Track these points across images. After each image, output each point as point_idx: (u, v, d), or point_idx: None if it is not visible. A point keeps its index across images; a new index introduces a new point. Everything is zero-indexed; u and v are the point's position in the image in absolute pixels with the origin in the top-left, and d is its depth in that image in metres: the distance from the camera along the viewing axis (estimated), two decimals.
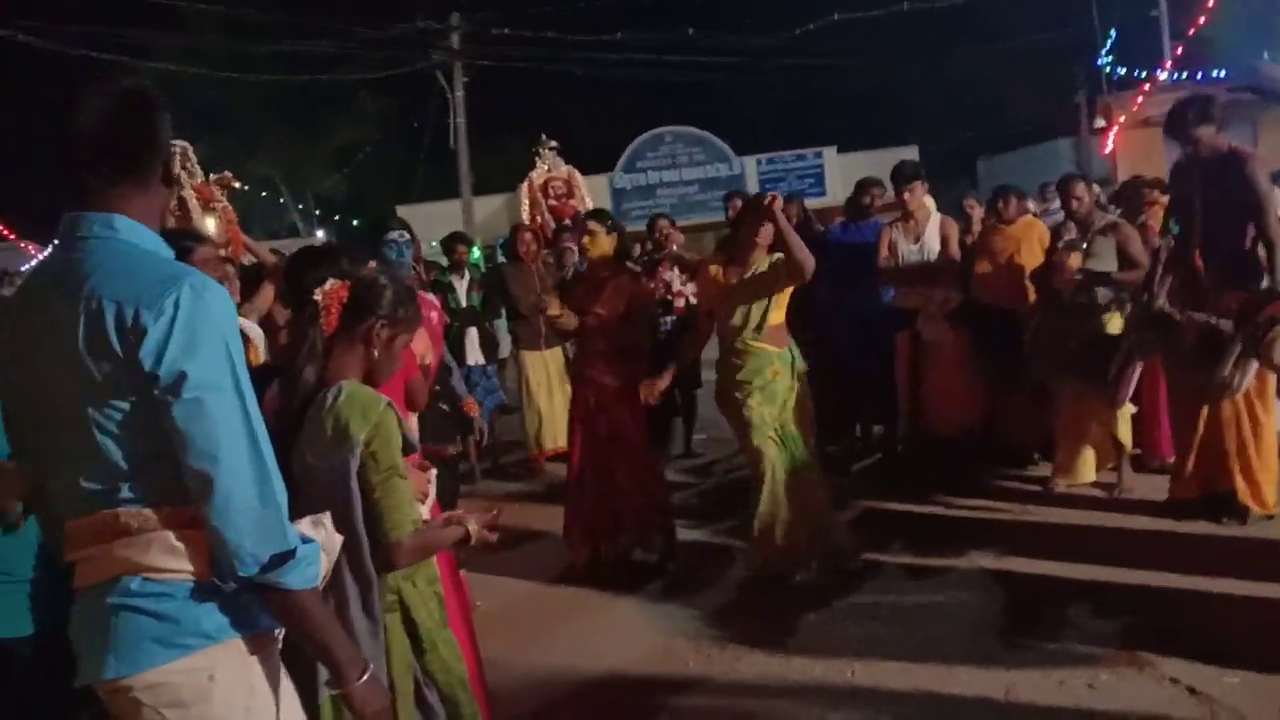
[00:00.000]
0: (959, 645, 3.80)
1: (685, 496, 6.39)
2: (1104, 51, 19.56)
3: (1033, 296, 5.88)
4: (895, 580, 4.63)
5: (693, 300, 7.30)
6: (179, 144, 5.27)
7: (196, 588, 1.61)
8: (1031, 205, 7.38)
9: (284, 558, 1.58)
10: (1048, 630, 3.86)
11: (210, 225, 5.09)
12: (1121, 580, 4.27)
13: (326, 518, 1.83)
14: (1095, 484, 5.59)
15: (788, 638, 4.06)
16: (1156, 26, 18.19)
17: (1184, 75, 15.24)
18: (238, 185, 5.45)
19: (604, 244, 5.00)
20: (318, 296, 2.19)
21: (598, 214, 5.39)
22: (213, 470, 1.53)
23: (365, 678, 1.74)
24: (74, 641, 1.65)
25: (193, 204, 5.13)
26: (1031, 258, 5.97)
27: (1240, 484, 4.76)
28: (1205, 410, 4.76)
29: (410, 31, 18.91)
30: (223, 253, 4.85)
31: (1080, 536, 4.91)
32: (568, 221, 9.85)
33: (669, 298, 7.16)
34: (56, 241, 1.69)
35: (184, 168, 5.20)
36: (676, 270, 7.26)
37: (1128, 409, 5.41)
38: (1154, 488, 5.35)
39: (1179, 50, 16.54)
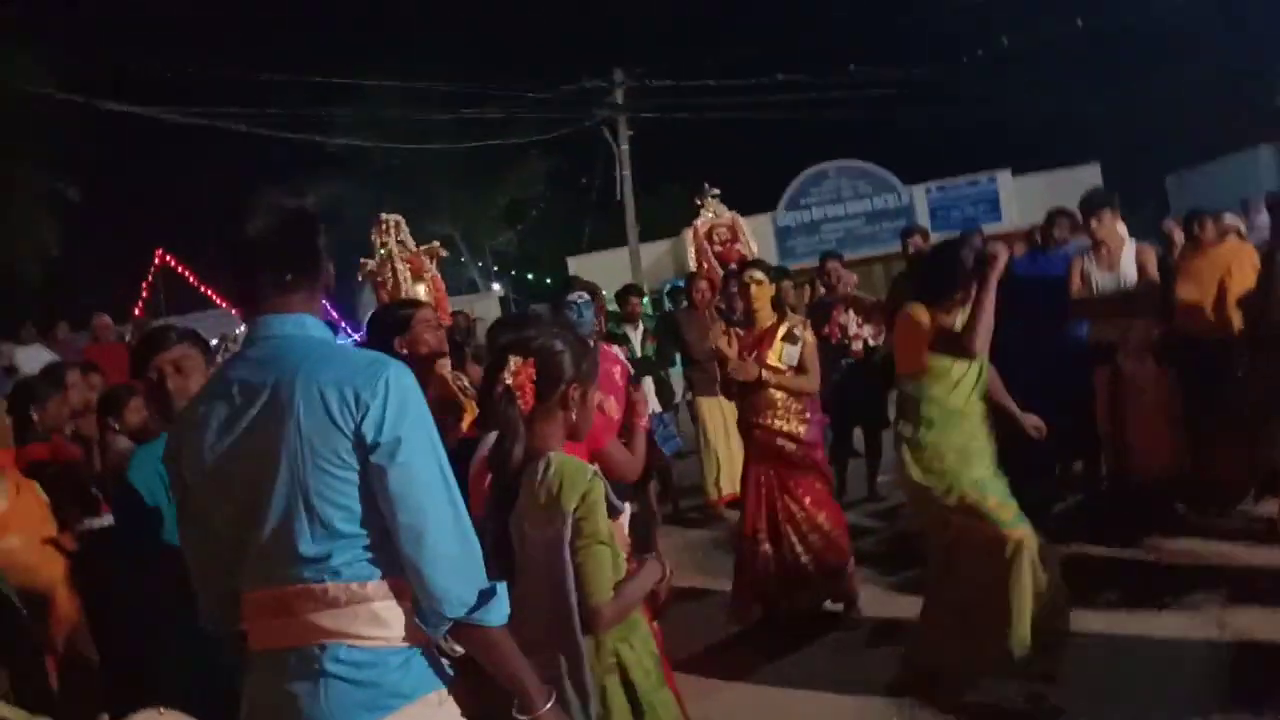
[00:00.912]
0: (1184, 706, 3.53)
1: (869, 543, 6.23)
2: None
3: (1240, 325, 5.46)
4: (1114, 622, 4.34)
5: (871, 342, 7.20)
6: (391, 218, 5.61)
7: (395, 653, 1.79)
8: (1234, 220, 6.88)
9: (487, 596, 1.77)
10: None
11: (421, 293, 5.42)
12: None
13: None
14: None
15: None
16: None
17: None
18: (444, 255, 5.77)
19: (764, 294, 5.00)
20: (508, 379, 2.26)
21: (757, 264, 5.39)
22: (422, 524, 1.73)
23: (551, 703, 1.87)
24: (256, 699, 1.82)
25: (405, 274, 5.47)
26: (1241, 282, 5.56)
27: None
28: None
29: (574, 91, 19.64)
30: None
31: None
32: (734, 266, 9.92)
33: (846, 341, 7.07)
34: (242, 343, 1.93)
35: (399, 240, 5.56)
36: (851, 312, 7.17)
37: None
38: None
39: None
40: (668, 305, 9.62)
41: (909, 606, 4.94)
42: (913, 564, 5.62)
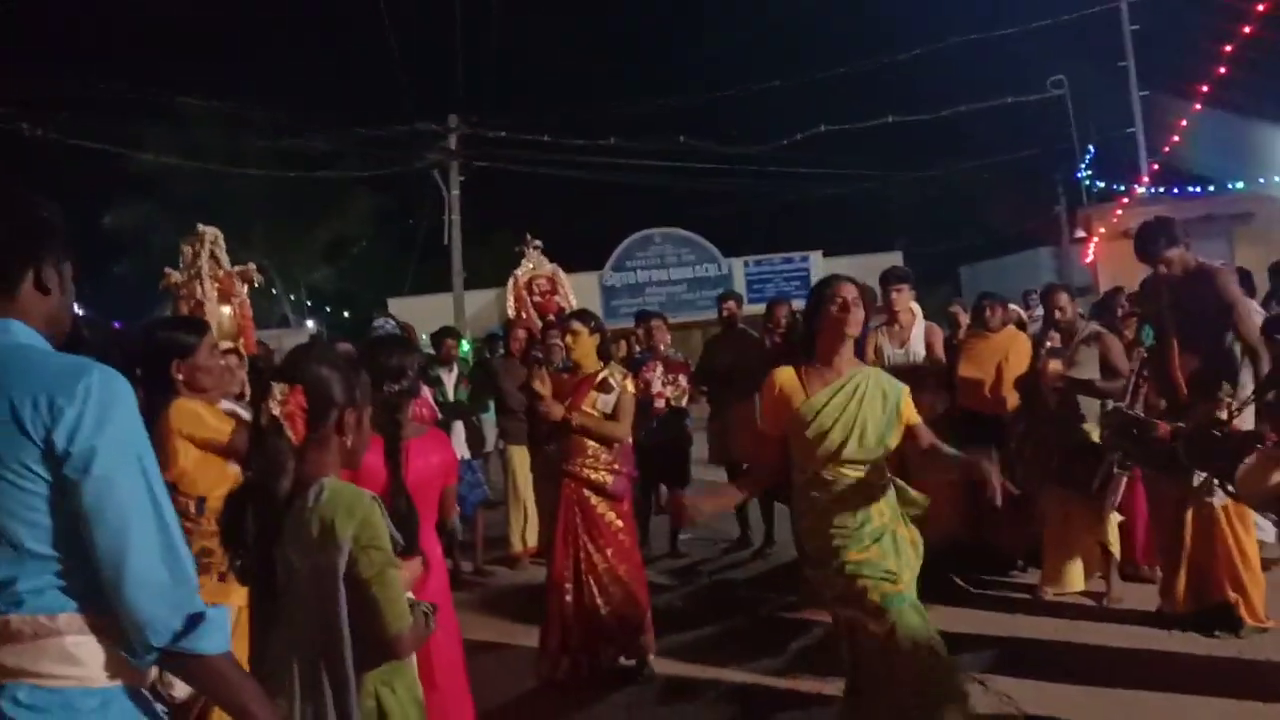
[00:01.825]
0: None
1: (670, 599, 6.29)
2: (1083, 166, 20.20)
3: (1015, 404, 5.92)
4: None
5: (674, 402, 7.33)
6: (210, 230, 5.25)
7: (89, 694, 1.63)
8: (1015, 309, 7.49)
9: (195, 621, 1.63)
10: None
11: (225, 315, 5.08)
12: (1114, 697, 4.19)
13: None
14: (1084, 593, 5.54)
15: None
16: (1133, 143, 18.80)
17: (1160, 190, 15.73)
18: (258, 280, 5.44)
19: (586, 344, 5.02)
20: (275, 410, 2.16)
21: (581, 314, 5.39)
22: (124, 545, 1.60)
23: None
24: None
25: (211, 293, 5.12)
26: (1017, 366, 6.03)
27: (1232, 595, 4.73)
28: (1190, 522, 4.76)
29: (407, 132, 19.38)
30: (229, 345, 4.82)
31: (1070, 648, 4.84)
32: (552, 317, 9.98)
33: (650, 397, 7.15)
34: None
35: (213, 255, 5.21)
36: (660, 369, 7.29)
37: (1114, 517, 5.40)
38: (1142, 596, 5.31)
39: (1155, 166, 17.10)
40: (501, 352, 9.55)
41: (703, 664, 5.03)
42: (710, 621, 5.73)
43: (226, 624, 1.71)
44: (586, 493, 4.91)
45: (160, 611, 1.61)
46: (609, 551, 4.89)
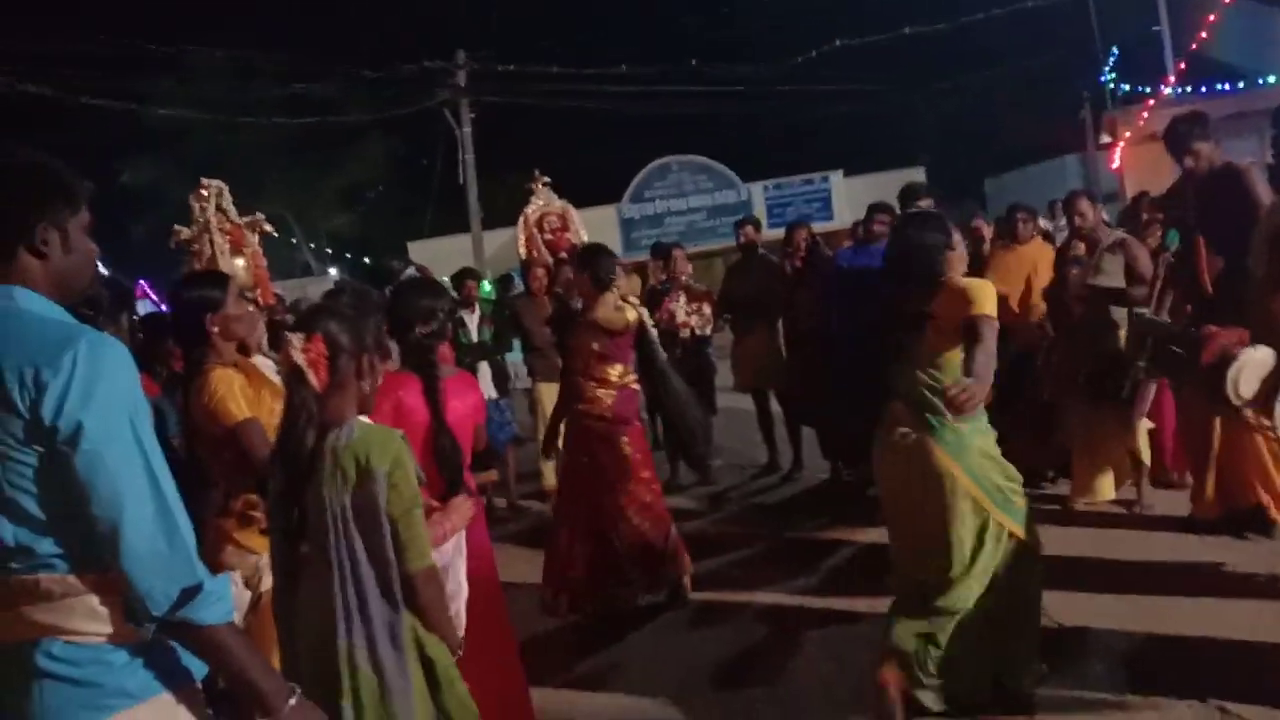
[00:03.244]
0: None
1: (701, 525, 6.35)
2: (1107, 68, 19.65)
3: (1042, 315, 5.86)
4: None
5: (699, 331, 7.31)
6: (213, 184, 5.22)
7: (118, 649, 1.67)
8: (1044, 223, 7.36)
9: (193, 592, 1.64)
10: (1074, 660, 3.79)
11: (239, 267, 5.08)
12: (1147, 604, 4.20)
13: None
14: (1115, 501, 5.54)
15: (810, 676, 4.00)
16: (1159, 42, 18.21)
17: (1188, 89, 15.28)
18: (269, 230, 5.41)
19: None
20: (298, 360, 2.21)
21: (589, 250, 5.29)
22: (117, 518, 1.60)
23: (293, 702, 1.75)
24: None
25: (223, 246, 5.11)
26: (1045, 277, 5.94)
27: (1264, 497, 4.71)
28: (1218, 427, 4.72)
29: (416, 71, 19.13)
30: (249, 295, 4.84)
31: (1103, 556, 4.85)
32: (564, 254, 9.91)
33: (674, 328, 7.14)
34: None
35: (219, 208, 5.18)
36: (683, 299, 7.27)
37: (1144, 425, 5.36)
38: (1173, 502, 5.30)
39: (1182, 65, 16.59)
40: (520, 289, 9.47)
41: (733, 589, 5.10)
42: (740, 546, 5.79)
43: (228, 594, 1.71)
44: (593, 430, 4.81)
45: (157, 582, 1.61)
46: (626, 486, 4.79)
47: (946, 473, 3.28)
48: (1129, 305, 5.23)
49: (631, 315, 4.80)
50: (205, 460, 3.15)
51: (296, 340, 2.22)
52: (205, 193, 5.20)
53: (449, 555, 2.64)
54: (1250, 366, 3.67)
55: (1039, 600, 3.54)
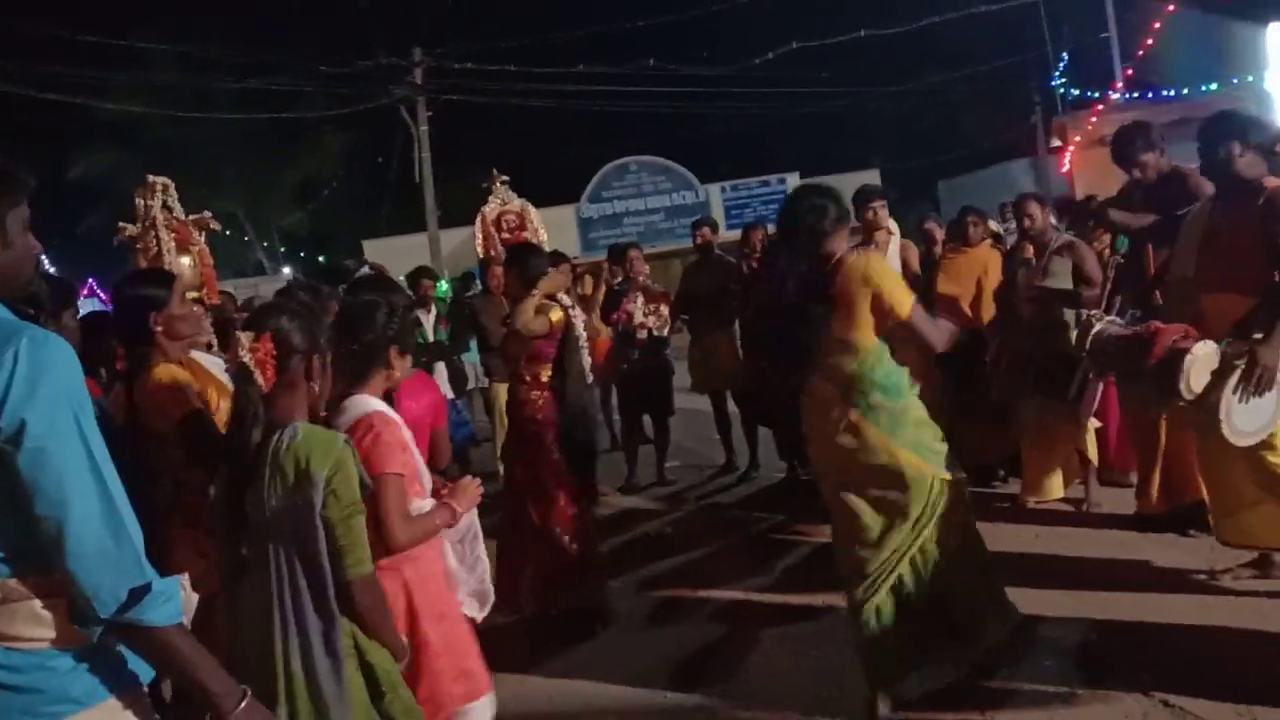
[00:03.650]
0: None
1: (659, 525, 6.38)
2: (1057, 73, 20.02)
3: (993, 317, 5.96)
4: None
5: (656, 332, 7.32)
6: (160, 180, 5.10)
7: (62, 654, 1.63)
8: (994, 225, 7.50)
9: (141, 593, 1.60)
10: (1025, 654, 3.83)
11: (185, 266, 4.98)
12: (1093, 600, 4.29)
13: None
14: (1064, 499, 5.65)
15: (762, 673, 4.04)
16: (1107, 48, 18.59)
17: (1135, 95, 15.62)
18: (215, 227, 5.31)
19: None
20: (244, 357, 2.18)
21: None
22: (62, 516, 1.56)
23: (244, 704, 1.72)
24: None
25: (169, 244, 5.00)
26: (995, 280, 6.04)
27: (1205, 495, 4.83)
28: (1163, 425, 4.83)
29: (372, 68, 18.95)
30: (194, 294, 4.75)
31: (1051, 553, 4.95)
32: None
33: (630, 329, 7.15)
34: None
35: (165, 205, 5.07)
36: (641, 300, 7.29)
37: (1092, 424, 5.48)
38: (1121, 500, 5.42)
39: (1129, 71, 16.96)
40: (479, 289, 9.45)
41: (692, 587, 5.12)
42: (699, 545, 5.82)
43: (177, 594, 1.67)
44: (525, 432, 4.75)
45: (104, 582, 1.57)
46: (554, 491, 4.71)
47: (884, 448, 3.40)
48: (1077, 307, 5.34)
49: (556, 315, 4.69)
50: (151, 457, 3.10)
51: (245, 339, 2.19)
52: (152, 188, 5.09)
53: (464, 530, 2.73)
54: (1200, 361, 3.78)
55: (983, 545, 3.66)
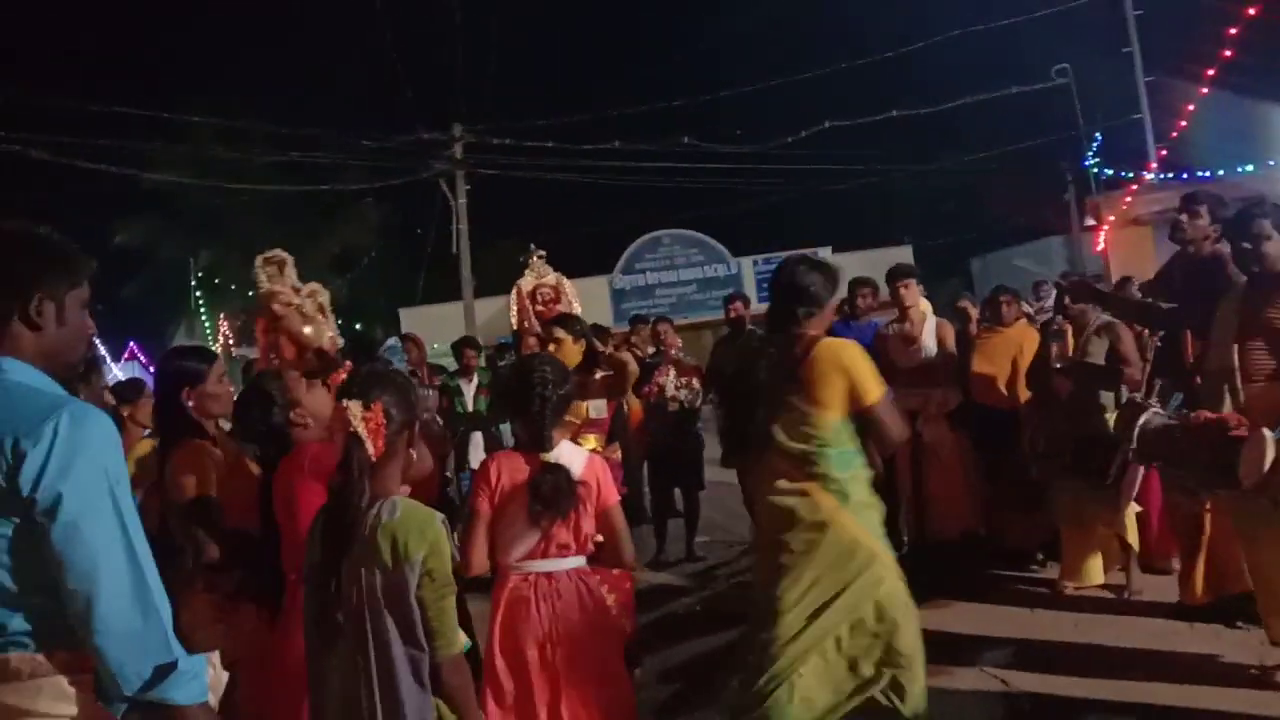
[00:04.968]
0: None
1: (689, 601, 6.27)
2: (1090, 154, 20.09)
3: (1027, 397, 5.89)
4: None
5: (688, 405, 7.31)
6: (278, 254, 4.89)
7: None
8: (1026, 306, 7.46)
9: (167, 670, 1.59)
10: None
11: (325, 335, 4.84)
12: (1135, 690, 4.15)
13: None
14: (1104, 585, 5.50)
15: None
16: (1140, 129, 18.66)
17: (1170, 175, 15.62)
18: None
19: (570, 351, 4.92)
20: (357, 428, 2.20)
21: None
22: (92, 591, 1.56)
23: None
24: None
25: (313, 312, 4.80)
26: (1030, 359, 5.99)
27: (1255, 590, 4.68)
28: (1208, 512, 4.71)
29: (412, 143, 19.38)
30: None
31: (1091, 642, 4.80)
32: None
33: (662, 400, 7.15)
34: None
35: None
36: (673, 373, 7.29)
37: (1132, 508, 5.36)
38: (1163, 588, 5.27)
39: (1163, 152, 16.99)
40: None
41: (724, 668, 5.00)
42: (729, 625, 5.70)
43: (203, 673, 1.68)
44: None
45: (129, 659, 1.58)
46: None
47: (834, 521, 3.37)
48: (1116, 387, 5.26)
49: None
50: (175, 531, 3.12)
51: (356, 408, 2.21)
52: (281, 262, 4.81)
53: None
54: (1267, 446, 3.70)
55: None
